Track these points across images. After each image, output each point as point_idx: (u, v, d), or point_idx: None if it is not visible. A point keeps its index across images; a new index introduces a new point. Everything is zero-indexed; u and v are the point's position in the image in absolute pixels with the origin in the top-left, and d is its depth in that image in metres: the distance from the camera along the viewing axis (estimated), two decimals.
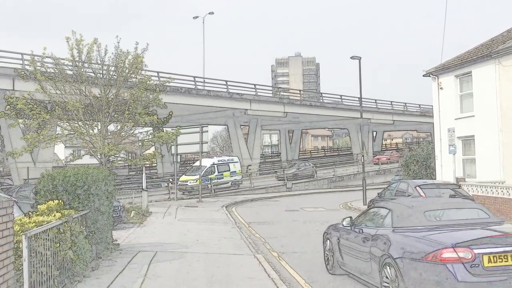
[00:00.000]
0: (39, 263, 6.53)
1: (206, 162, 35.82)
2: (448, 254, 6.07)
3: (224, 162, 37.15)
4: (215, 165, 35.79)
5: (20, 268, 6.10)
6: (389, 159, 56.25)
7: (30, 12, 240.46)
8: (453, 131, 20.60)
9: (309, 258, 11.11)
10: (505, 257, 6.09)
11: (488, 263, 6.06)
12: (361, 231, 8.08)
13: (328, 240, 9.59)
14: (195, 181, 33.02)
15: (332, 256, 9.30)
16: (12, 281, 5.66)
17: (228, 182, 36.52)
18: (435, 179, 22.81)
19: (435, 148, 23.80)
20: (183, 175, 35.98)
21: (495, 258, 6.08)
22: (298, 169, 45.15)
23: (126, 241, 13.28)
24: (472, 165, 20.97)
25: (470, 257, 6.02)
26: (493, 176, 19.11)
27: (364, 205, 23.41)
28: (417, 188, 14.94)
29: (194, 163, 39.78)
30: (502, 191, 17.30)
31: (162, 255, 11.04)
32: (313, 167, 47.24)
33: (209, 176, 34.72)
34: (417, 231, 6.89)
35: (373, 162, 54.53)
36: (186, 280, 8.60)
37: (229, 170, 36.75)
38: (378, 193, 18.02)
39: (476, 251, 6.05)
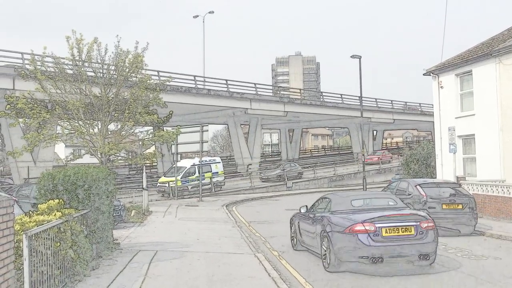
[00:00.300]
0: (39, 262, 6.53)
1: (186, 163, 34.46)
2: (358, 227, 8.92)
3: (206, 162, 35.18)
4: (196, 166, 33.95)
5: (21, 267, 6.10)
6: (380, 159, 54.64)
7: (30, 12, 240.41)
8: (454, 130, 20.59)
9: (310, 258, 11.11)
10: (397, 229, 9.00)
11: (385, 233, 8.91)
12: (313, 216, 10.80)
13: (293, 225, 12.40)
14: (174, 182, 31.80)
15: (295, 237, 12.08)
16: (12, 280, 5.67)
17: (209, 184, 34.90)
18: (435, 178, 22.81)
19: (435, 147, 23.80)
20: (163, 176, 34.68)
21: (390, 230, 8.95)
22: (283, 170, 43.38)
23: (126, 240, 13.28)
24: (473, 164, 20.97)
25: (373, 229, 8.85)
26: (494, 175, 19.11)
27: None
28: (418, 187, 14.93)
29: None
30: (502, 190, 17.30)
31: (163, 254, 11.05)
32: (299, 167, 45.81)
33: (189, 177, 33.37)
34: (344, 213, 9.77)
35: (365, 163, 54.00)
36: (186, 279, 8.60)
37: (211, 171, 35.17)
38: None
39: (377, 225, 8.90)
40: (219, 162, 37.15)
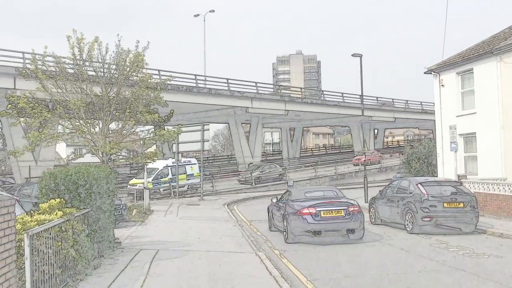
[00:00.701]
0: (41, 261, 6.54)
1: (158, 164, 32.01)
2: (305, 210, 12.71)
3: (180, 164, 33.11)
4: (169, 167, 32.51)
5: (22, 266, 6.11)
6: (369, 159, 50.00)
7: (30, 11, 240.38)
8: (455, 129, 20.57)
9: (311, 257, 11.12)
10: (331, 212, 12.79)
11: (323, 214, 12.70)
12: (281, 204, 14.46)
13: (269, 212, 16.01)
14: (144, 184, 29.81)
15: (270, 221, 15.77)
16: (14, 280, 5.68)
17: (184, 186, 33.22)
18: (436, 176, 22.79)
19: (436, 146, 23.77)
20: (133, 178, 33.08)
21: (327, 212, 12.75)
22: (261, 171, 40.87)
23: (128, 239, 13.29)
24: (474, 162, 20.95)
25: (314, 212, 12.64)
26: (495, 173, 19.09)
27: (365, 202, 23.34)
28: (419, 185, 14.92)
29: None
30: (504, 188, 17.28)
31: (164, 253, 11.06)
32: (280, 169, 43.46)
33: (161, 179, 31.93)
34: (298, 201, 13.44)
35: (353, 163, 51.71)
36: (188, 278, 8.61)
37: (185, 173, 33.48)
38: (379, 191, 18.01)
39: (318, 209, 12.70)
40: (195, 164, 34.92)
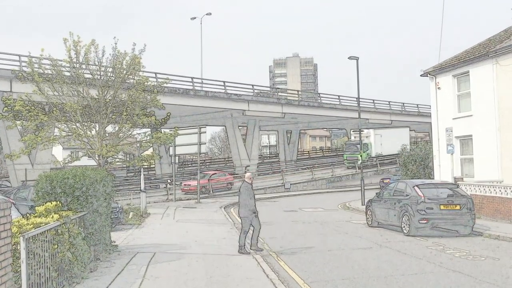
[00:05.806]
0: (37, 264, 6.51)
1: None
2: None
3: None
4: None
5: (18, 269, 6.09)
6: (204, 186, 33.43)
7: (29, 12, 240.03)
8: (451, 131, 20.62)
9: (308, 259, 11.11)
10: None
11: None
12: None
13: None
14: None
15: None
16: (10, 283, 5.66)
17: None
18: (433, 178, 22.85)
19: (433, 148, 23.84)
20: None
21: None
22: None
23: (124, 242, 13.26)
24: (470, 164, 21.01)
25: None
26: (491, 175, 19.14)
27: (362, 205, 23.40)
28: (415, 188, 14.95)
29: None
30: (500, 191, 17.33)
31: (161, 256, 11.03)
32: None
33: None
34: None
35: (181, 190, 33.92)
36: (185, 281, 8.59)
37: None
38: (376, 193, 18.04)
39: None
40: None
